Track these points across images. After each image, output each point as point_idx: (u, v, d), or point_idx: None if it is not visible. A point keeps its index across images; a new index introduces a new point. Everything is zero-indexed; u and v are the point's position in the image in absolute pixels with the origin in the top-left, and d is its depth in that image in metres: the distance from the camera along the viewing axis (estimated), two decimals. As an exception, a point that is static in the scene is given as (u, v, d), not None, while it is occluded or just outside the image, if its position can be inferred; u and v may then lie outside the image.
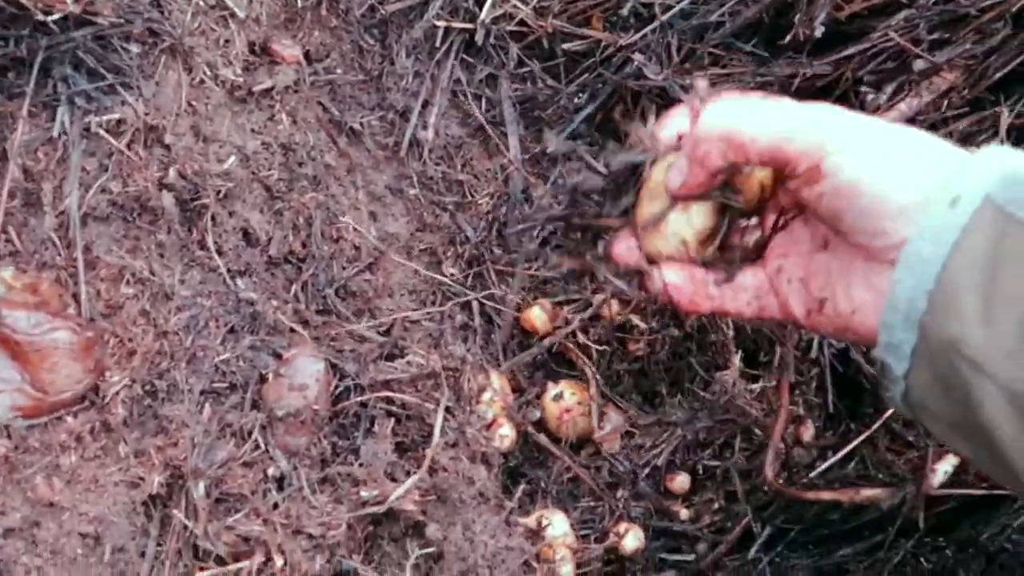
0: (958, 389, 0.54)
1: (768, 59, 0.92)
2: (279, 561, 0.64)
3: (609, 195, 0.70)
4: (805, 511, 0.79)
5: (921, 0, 0.87)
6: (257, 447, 0.71)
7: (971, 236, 0.54)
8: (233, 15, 0.84)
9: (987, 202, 0.54)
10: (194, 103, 0.81)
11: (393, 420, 0.75)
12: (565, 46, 0.92)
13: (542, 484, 0.81)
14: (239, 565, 0.63)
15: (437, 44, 0.92)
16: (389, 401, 0.75)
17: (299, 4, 0.88)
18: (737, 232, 0.68)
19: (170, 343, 0.73)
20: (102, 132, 0.76)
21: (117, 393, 0.70)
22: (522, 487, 0.79)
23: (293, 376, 0.73)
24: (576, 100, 0.93)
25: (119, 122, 0.77)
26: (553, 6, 0.91)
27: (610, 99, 0.93)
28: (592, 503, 0.81)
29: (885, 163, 0.59)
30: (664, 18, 0.89)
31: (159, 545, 0.67)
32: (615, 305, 0.86)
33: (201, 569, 0.64)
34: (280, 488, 0.71)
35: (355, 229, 0.85)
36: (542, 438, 0.82)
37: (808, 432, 0.86)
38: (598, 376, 0.84)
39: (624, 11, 0.90)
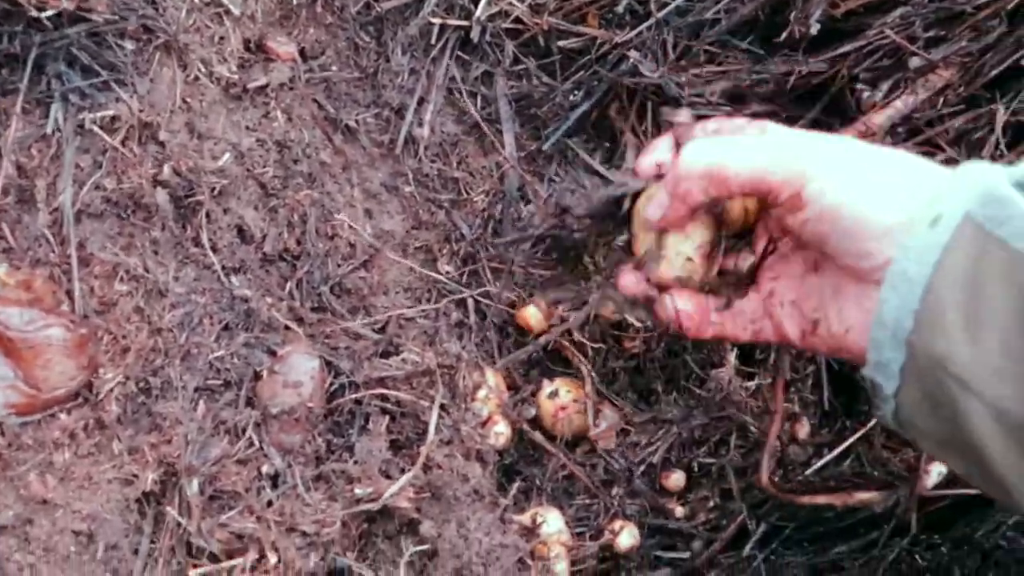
0: (946, 407, 0.55)
1: (764, 56, 0.92)
2: (273, 559, 0.64)
3: (596, 222, 0.72)
4: (800, 509, 0.79)
5: (916, -3, 0.87)
6: (251, 444, 0.71)
7: (953, 255, 0.55)
8: (228, 12, 0.84)
9: (967, 220, 0.55)
10: (189, 100, 0.81)
11: (388, 417, 0.75)
12: (561, 43, 0.91)
13: (537, 482, 0.81)
14: (232, 562, 0.63)
15: (432, 41, 0.92)
16: (384, 398, 0.75)
17: (294, 1, 0.87)
18: (731, 257, 0.70)
19: (164, 340, 0.73)
20: (96, 129, 0.76)
21: (111, 390, 0.70)
22: (517, 484, 0.79)
23: (287, 373, 0.73)
24: (572, 98, 0.92)
25: (113, 119, 0.77)
26: (549, 3, 0.90)
27: (606, 97, 0.92)
28: (587, 501, 0.81)
29: (865, 186, 0.60)
30: (660, 15, 0.89)
31: (152, 543, 0.67)
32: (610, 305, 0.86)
33: (194, 566, 0.64)
34: (274, 485, 0.71)
35: (350, 226, 0.85)
36: (537, 436, 0.82)
37: (804, 429, 0.86)
38: (593, 374, 0.84)
39: (620, 8, 0.90)
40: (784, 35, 0.89)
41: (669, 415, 0.83)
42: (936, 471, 0.79)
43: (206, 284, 0.77)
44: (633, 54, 0.88)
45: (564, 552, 0.74)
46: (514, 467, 0.82)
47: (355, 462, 0.72)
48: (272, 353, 0.75)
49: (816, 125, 0.93)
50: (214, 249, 0.78)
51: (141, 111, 0.77)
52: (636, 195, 0.73)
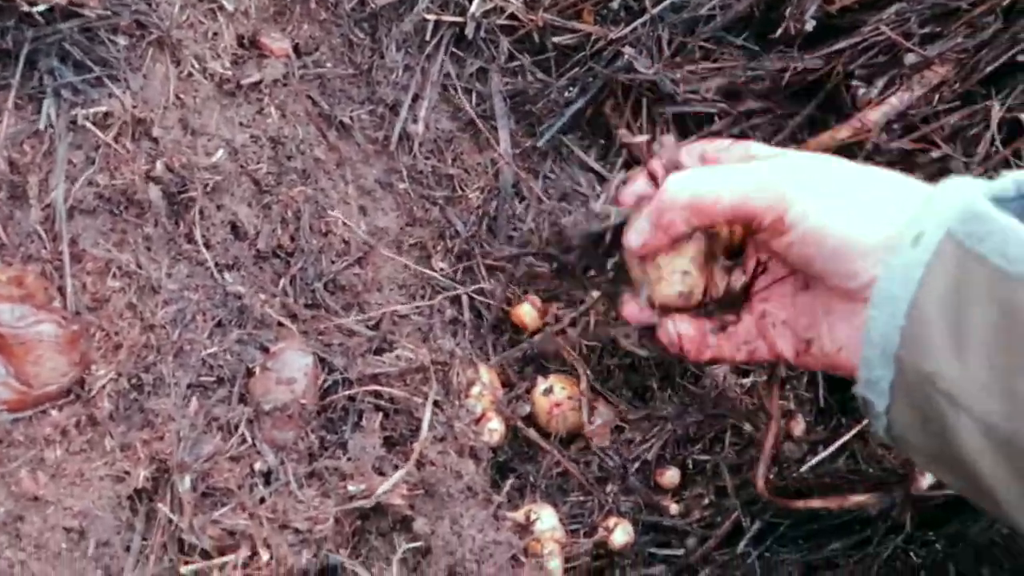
0: (936, 422, 0.55)
1: (759, 53, 0.92)
2: (265, 555, 0.64)
3: (584, 252, 0.73)
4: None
5: (912, -6, 0.87)
6: (244, 441, 0.71)
7: (935, 272, 0.55)
8: (222, 8, 0.84)
9: (948, 237, 0.55)
10: (182, 96, 0.81)
11: (381, 414, 0.74)
12: (555, 40, 0.91)
13: (531, 478, 0.81)
14: (224, 559, 0.63)
15: (427, 38, 0.91)
16: (377, 395, 0.75)
17: (288, -3, 0.87)
18: (723, 277, 0.71)
19: (157, 337, 0.73)
20: (89, 125, 0.76)
21: (103, 387, 0.70)
22: (511, 481, 0.79)
23: (280, 370, 0.73)
24: (566, 94, 0.92)
25: (106, 115, 0.76)
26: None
27: (601, 93, 0.92)
28: (581, 497, 0.81)
29: (847, 207, 0.61)
30: (654, 11, 0.89)
31: (144, 539, 0.66)
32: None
33: (186, 563, 0.64)
34: (267, 482, 0.70)
35: (344, 223, 0.85)
36: (532, 432, 0.81)
37: (799, 427, 0.86)
38: (588, 372, 0.84)
39: (614, 4, 0.90)
40: (779, 31, 0.89)
41: (664, 412, 0.83)
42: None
43: (199, 280, 0.77)
44: (628, 50, 0.88)
45: (558, 549, 0.73)
46: (508, 464, 0.82)
47: (348, 459, 0.72)
48: (265, 350, 0.75)
49: (811, 122, 0.93)
50: (207, 245, 0.78)
51: (134, 107, 0.77)
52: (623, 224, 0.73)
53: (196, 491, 0.67)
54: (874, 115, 0.88)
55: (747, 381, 0.85)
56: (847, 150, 0.90)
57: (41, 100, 0.75)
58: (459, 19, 0.91)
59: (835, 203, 0.61)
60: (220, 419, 0.71)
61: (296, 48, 0.88)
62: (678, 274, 0.70)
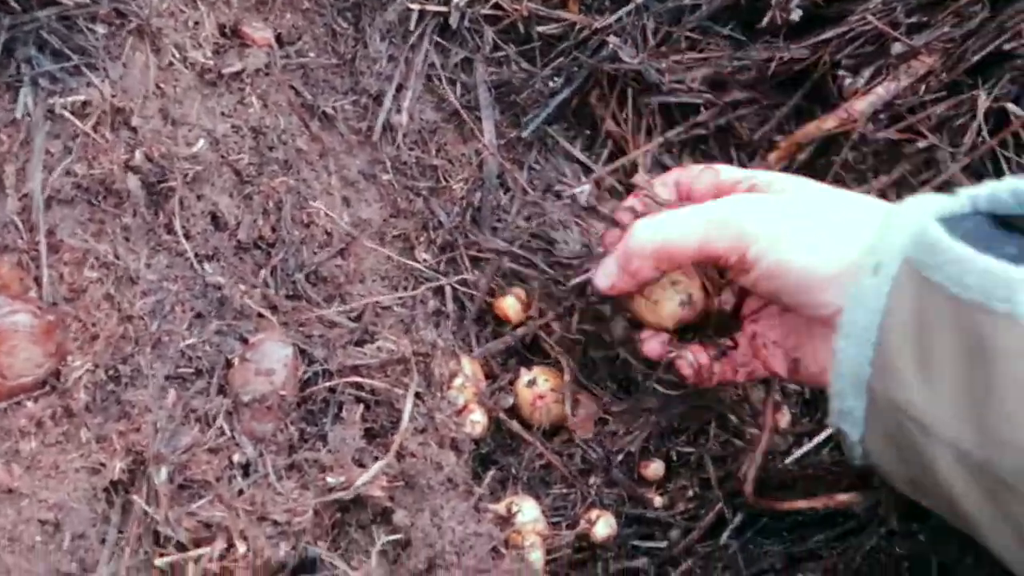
0: (910, 451, 0.55)
1: (745, 43, 0.92)
2: (241, 547, 0.63)
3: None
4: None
5: (899, -17, 0.86)
6: (222, 433, 0.70)
7: (897, 300, 0.55)
8: (202, -4, 0.83)
9: (905, 265, 0.55)
10: (162, 85, 0.80)
11: (362, 406, 0.74)
12: (540, 29, 0.91)
13: (514, 471, 0.80)
14: (200, 551, 0.62)
15: (411, 28, 0.91)
16: (358, 387, 0.74)
17: (270, -14, 0.87)
18: (714, 298, 0.75)
19: (135, 328, 0.72)
20: (67, 114, 0.75)
21: (79, 378, 0.69)
22: (492, 473, 0.78)
23: (260, 361, 0.72)
24: (551, 84, 0.92)
25: (84, 104, 0.75)
26: (528, -12, 0.90)
27: (586, 83, 0.92)
28: (564, 490, 0.80)
29: (806, 239, 0.61)
30: (640, 0, 0.88)
31: (120, 532, 0.65)
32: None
33: (161, 555, 0.63)
34: (246, 474, 0.70)
35: (326, 214, 0.84)
36: (514, 424, 0.81)
37: (784, 419, 0.85)
38: (572, 364, 0.83)
39: (599, -7, 0.90)
40: (765, 21, 0.89)
41: (648, 404, 0.82)
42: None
43: (178, 271, 0.76)
44: (613, 40, 0.87)
45: (539, 541, 0.73)
46: (491, 456, 0.81)
47: (328, 451, 0.71)
48: (244, 341, 0.74)
49: (798, 112, 0.92)
50: (187, 236, 0.77)
51: (113, 96, 0.76)
52: None
53: (173, 483, 0.66)
54: (860, 105, 0.87)
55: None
56: (833, 140, 0.90)
57: (18, 89, 0.74)
58: (443, 8, 0.90)
59: (794, 236, 0.62)
60: (198, 411, 0.71)
61: (278, 38, 0.87)
62: (673, 289, 0.73)
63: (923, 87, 0.87)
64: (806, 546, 0.76)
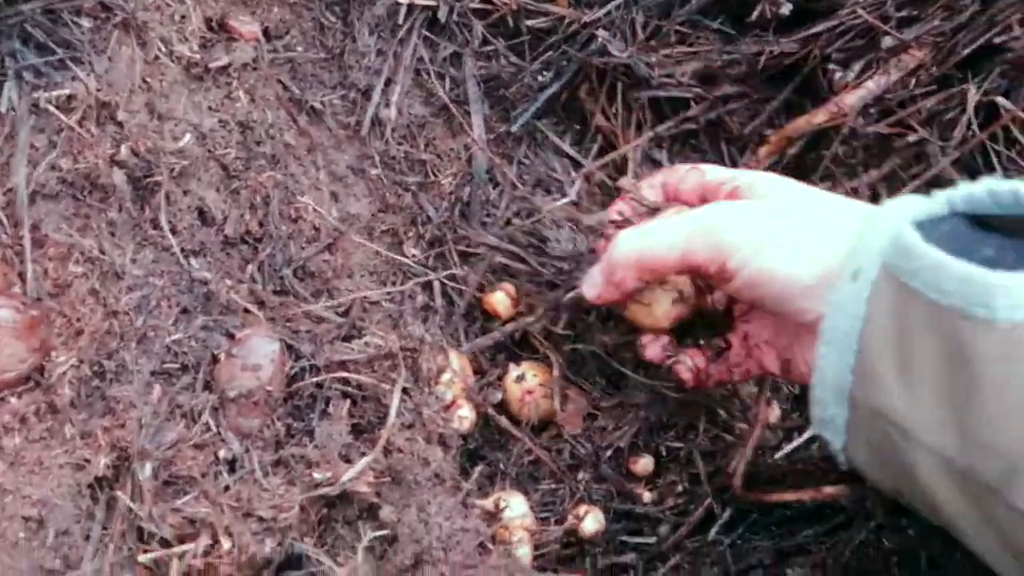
0: (893, 458, 0.55)
1: (735, 37, 0.91)
2: (226, 544, 0.63)
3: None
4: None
5: (889, -23, 0.86)
6: (208, 429, 0.70)
7: (877, 307, 0.55)
8: (189, -11, 0.82)
9: (883, 271, 0.55)
10: (148, 80, 0.79)
11: (349, 401, 0.73)
12: (529, 23, 0.90)
13: (502, 466, 0.80)
14: (184, 547, 0.62)
15: (400, 22, 0.90)
16: (345, 382, 0.74)
17: (257, -21, 0.86)
18: (707, 299, 0.75)
19: (120, 323, 0.72)
20: (52, 108, 0.74)
21: (63, 373, 0.69)
22: (480, 469, 0.78)
23: (246, 356, 0.72)
24: (540, 78, 0.91)
25: (69, 98, 0.75)
26: (517, -18, 0.89)
27: (575, 77, 0.91)
28: (553, 485, 0.80)
29: (785, 246, 0.61)
30: (629, -6, 0.88)
31: (104, 528, 0.65)
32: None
33: (145, 552, 0.62)
34: (231, 470, 0.69)
35: (315, 209, 0.84)
36: (503, 420, 0.80)
37: (774, 414, 0.85)
38: (561, 359, 0.83)
39: (589, -14, 0.89)
40: (755, 15, 0.89)
41: (637, 400, 0.82)
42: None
43: (164, 266, 0.75)
44: (601, 33, 0.87)
45: (527, 537, 0.73)
46: (479, 452, 0.81)
47: (315, 446, 0.71)
48: (231, 336, 0.74)
49: (788, 106, 0.92)
50: (173, 231, 0.77)
51: (99, 90, 0.76)
52: None
53: (158, 479, 0.66)
54: (851, 99, 0.87)
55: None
56: (823, 135, 0.90)
57: (2, 83, 0.74)
58: (432, 3, 0.89)
59: (775, 245, 0.62)
60: (184, 406, 0.70)
61: (266, 31, 0.87)
62: (672, 294, 0.73)
63: (913, 81, 0.87)
64: (795, 541, 0.75)
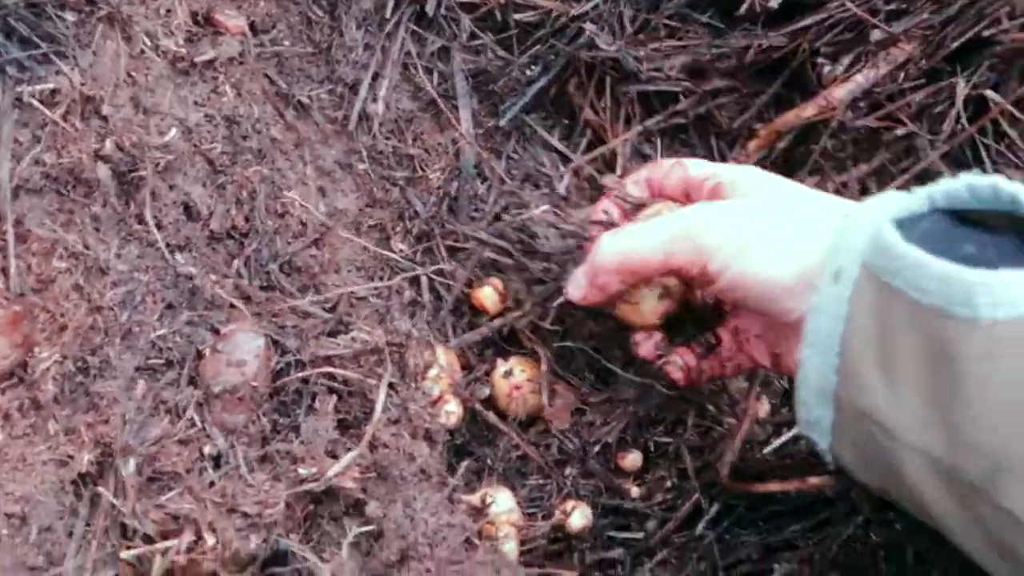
0: (880, 458, 0.55)
1: (724, 30, 0.91)
2: (210, 540, 0.63)
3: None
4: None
5: (878, -30, 0.86)
6: (193, 424, 0.69)
7: (859, 307, 0.54)
8: (174, -17, 0.82)
9: (864, 271, 0.54)
10: (134, 74, 0.79)
11: (335, 397, 0.73)
12: (517, 17, 0.90)
13: (489, 462, 0.79)
14: (167, 544, 0.62)
15: (387, 16, 0.90)
16: (331, 377, 0.73)
17: (243, -27, 0.86)
18: (696, 293, 0.75)
19: (104, 318, 0.71)
20: (35, 102, 0.74)
21: (47, 369, 0.68)
22: (467, 464, 0.77)
23: (231, 352, 0.72)
24: (528, 72, 0.91)
25: (53, 92, 0.74)
26: (505, -25, 0.89)
27: (564, 72, 0.91)
28: (540, 481, 0.80)
29: (765, 248, 0.61)
30: (617, -13, 0.88)
31: (88, 525, 0.65)
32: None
33: (128, 548, 0.62)
34: (216, 466, 0.69)
35: (301, 204, 0.84)
36: (490, 415, 0.80)
37: (763, 409, 0.85)
38: (549, 354, 0.83)
39: (577, -21, 0.89)
40: (744, 8, 0.88)
41: (625, 395, 0.82)
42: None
43: (149, 262, 0.75)
44: (589, 27, 0.87)
45: (513, 532, 0.72)
46: (466, 447, 0.81)
47: (301, 442, 0.70)
48: (216, 332, 0.73)
49: (777, 100, 0.92)
50: (158, 226, 0.76)
51: (83, 84, 0.75)
52: None
53: (142, 475, 0.66)
54: (839, 93, 0.87)
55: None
56: (812, 129, 0.90)
57: (-15, 77, 0.73)
58: (419, -4, 0.89)
59: (755, 246, 0.61)
60: (168, 402, 0.70)
61: (252, 26, 0.87)
62: (657, 290, 0.73)
63: (902, 74, 0.87)
64: (782, 536, 0.75)
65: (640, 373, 0.81)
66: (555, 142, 0.93)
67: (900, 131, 0.88)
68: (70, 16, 0.77)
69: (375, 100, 0.89)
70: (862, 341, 0.54)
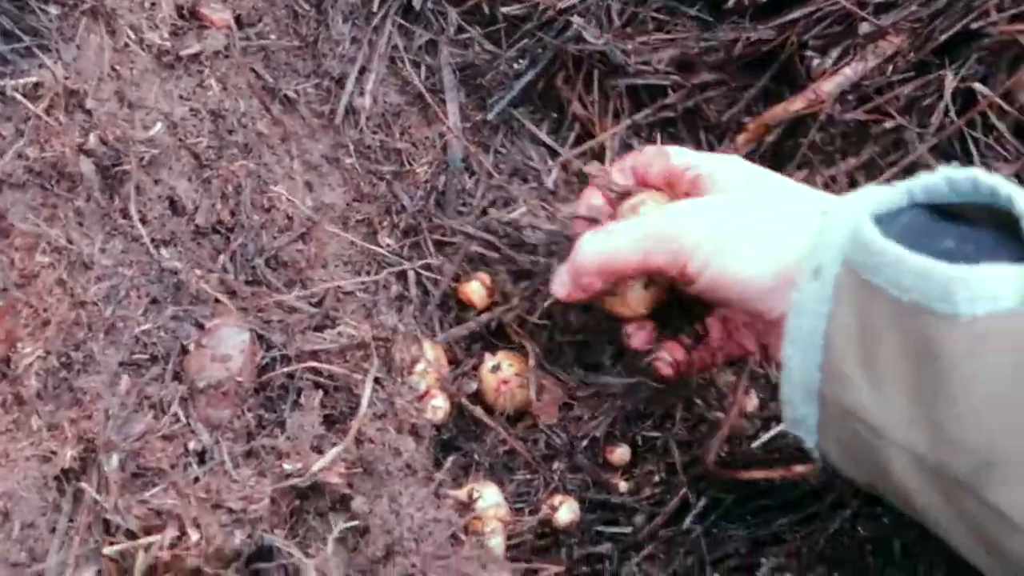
0: (864, 454, 0.54)
1: (712, 24, 0.91)
2: (194, 536, 0.62)
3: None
4: (742, 482, 0.78)
5: (866, -37, 0.85)
6: (177, 420, 0.69)
7: (841, 304, 0.54)
8: (158, -24, 0.81)
9: (845, 268, 0.53)
10: (118, 68, 0.78)
11: (321, 392, 0.73)
12: (504, 10, 0.90)
13: (476, 457, 0.79)
14: (149, 539, 0.61)
15: (374, 9, 0.90)
16: (317, 372, 0.73)
17: (227, -34, 0.85)
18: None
19: (88, 313, 0.71)
20: (18, 96, 0.73)
21: (30, 365, 0.68)
22: (454, 459, 0.77)
23: (216, 347, 0.71)
24: (516, 66, 0.91)
25: (36, 86, 0.74)
26: (492, -32, 0.89)
27: (552, 65, 0.91)
28: (527, 476, 0.80)
29: (744, 247, 0.61)
30: (604, -20, 0.87)
31: (71, 520, 0.64)
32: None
33: (111, 544, 0.62)
34: (201, 462, 0.69)
35: (288, 199, 0.83)
36: (478, 410, 0.80)
37: (751, 403, 0.84)
38: (537, 349, 0.82)
39: (565, -27, 0.89)
40: (732, 2, 0.88)
41: (613, 389, 0.82)
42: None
43: (134, 256, 0.75)
44: (577, 20, 0.86)
45: (500, 527, 0.72)
46: (453, 442, 0.80)
47: (286, 437, 0.70)
48: (201, 327, 0.73)
49: (766, 93, 0.92)
50: (143, 221, 0.76)
51: (66, 78, 0.75)
52: None
53: (125, 471, 0.65)
54: (828, 86, 0.87)
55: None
56: (801, 122, 0.89)
57: (-33, 71, 0.73)
58: (406, -11, 0.89)
59: (731, 246, 0.61)
60: (152, 397, 0.69)
61: (238, 19, 0.86)
62: (635, 289, 0.72)
63: (891, 67, 0.86)
64: (770, 530, 0.75)
65: (628, 367, 0.81)
66: (543, 136, 0.93)
67: (889, 124, 0.87)
68: (53, 9, 0.76)
69: (362, 94, 0.89)
70: (844, 339, 0.54)
